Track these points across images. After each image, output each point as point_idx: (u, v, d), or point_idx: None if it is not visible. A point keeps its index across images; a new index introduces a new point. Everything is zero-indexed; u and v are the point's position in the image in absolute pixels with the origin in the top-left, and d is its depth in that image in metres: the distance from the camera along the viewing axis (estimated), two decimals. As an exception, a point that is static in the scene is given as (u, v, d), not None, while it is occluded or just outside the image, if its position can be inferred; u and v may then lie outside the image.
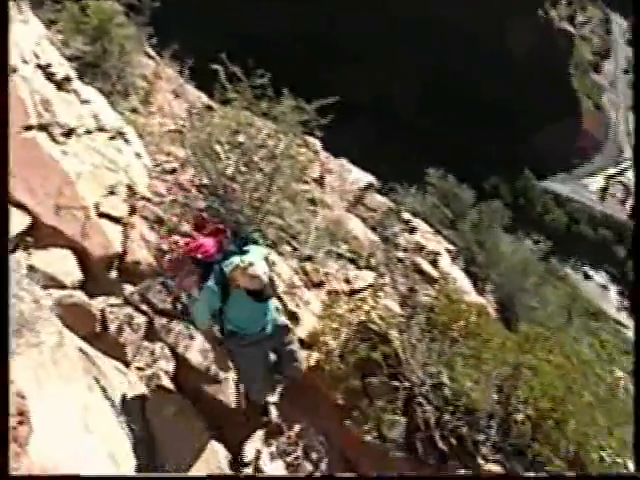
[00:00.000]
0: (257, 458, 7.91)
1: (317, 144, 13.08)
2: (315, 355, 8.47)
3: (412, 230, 12.54)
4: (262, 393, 7.75)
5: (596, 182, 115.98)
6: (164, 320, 8.34)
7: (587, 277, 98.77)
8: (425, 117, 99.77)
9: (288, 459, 8.08)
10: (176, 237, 7.58)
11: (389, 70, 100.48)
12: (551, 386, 8.64)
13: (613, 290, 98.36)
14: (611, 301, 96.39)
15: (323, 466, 8.17)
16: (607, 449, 8.66)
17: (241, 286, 6.66)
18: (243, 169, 9.48)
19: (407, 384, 8.18)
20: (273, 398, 7.94)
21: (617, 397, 10.29)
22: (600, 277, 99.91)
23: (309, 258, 9.81)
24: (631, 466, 8.76)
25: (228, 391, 8.03)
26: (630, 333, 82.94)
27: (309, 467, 8.10)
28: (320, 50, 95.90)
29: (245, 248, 7.03)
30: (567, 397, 8.69)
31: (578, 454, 8.38)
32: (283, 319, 7.52)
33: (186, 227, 8.74)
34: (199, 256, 7.15)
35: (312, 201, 11.22)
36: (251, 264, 6.58)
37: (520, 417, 8.32)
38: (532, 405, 8.40)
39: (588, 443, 8.44)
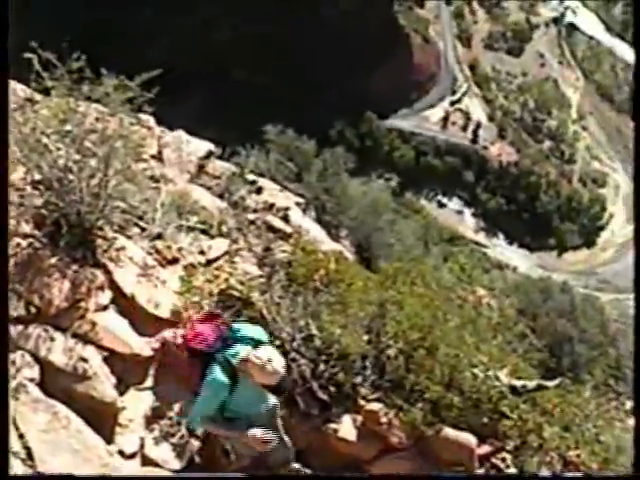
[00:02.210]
0: (142, 446, 7.76)
1: (150, 120, 12.72)
2: (181, 332, 8.32)
3: (259, 190, 12.47)
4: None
5: (436, 113, 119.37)
6: (20, 327, 7.97)
7: (441, 205, 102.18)
8: (260, 74, 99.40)
9: (173, 440, 7.96)
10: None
11: (213, 30, 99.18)
12: (417, 317, 8.87)
13: (468, 213, 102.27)
14: (467, 224, 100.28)
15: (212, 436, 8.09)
16: (478, 365, 9.02)
17: (256, 381, 6.46)
18: (76, 157, 9.10)
19: (277, 342, 8.18)
20: None
21: (481, 314, 10.72)
22: (454, 203, 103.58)
23: (159, 236, 9.58)
24: (503, 377, 9.16)
25: (100, 385, 7.79)
26: (488, 251, 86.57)
27: (196, 443, 8.01)
28: (138, 24, 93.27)
29: (238, 327, 6.86)
30: (434, 324, 8.96)
31: (452, 376, 8.68)
32: (274, 398, 7.22)
33: (26, 228, 8.35)
34: (198, 347, 6.81)
35: (153, 178, 10.94)
36: (270, 360, 6.37)
37: (392, 352, 8.52)
38: (402, 338, 8.61)
39: (460, 364, 8.75)
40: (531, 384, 9.32)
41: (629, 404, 12.48)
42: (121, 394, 7.93)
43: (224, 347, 6.77)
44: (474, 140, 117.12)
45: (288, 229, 11.00)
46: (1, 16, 5.58)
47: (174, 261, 9.31)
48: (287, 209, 12.13)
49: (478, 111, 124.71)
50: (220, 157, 13.16)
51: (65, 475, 4.97)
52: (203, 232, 10.13)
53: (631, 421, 11.62)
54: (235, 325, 7.08)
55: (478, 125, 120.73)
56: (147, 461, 7.75)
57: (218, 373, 6.58)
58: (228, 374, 6.58)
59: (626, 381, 13.79)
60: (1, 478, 4.36)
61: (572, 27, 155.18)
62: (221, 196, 11.70)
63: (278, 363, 6.45)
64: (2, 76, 5.93)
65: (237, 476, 7.55)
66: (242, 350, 6.65)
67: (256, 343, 6.81)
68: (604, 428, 10.11)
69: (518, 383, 9.18)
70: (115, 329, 8.02)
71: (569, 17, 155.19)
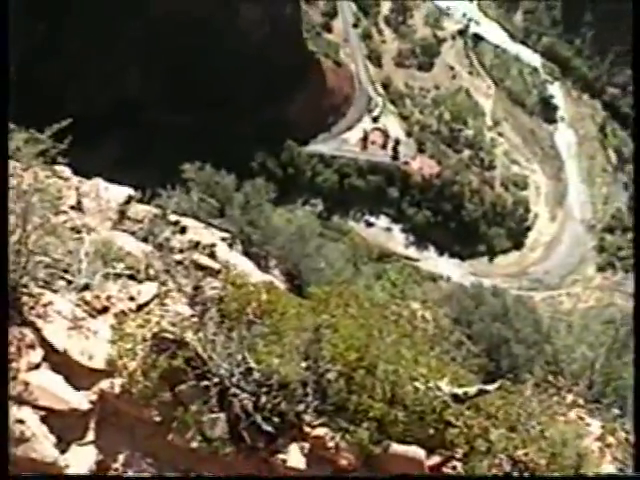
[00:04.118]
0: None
1: (66, 170, 12.60)
2: (118, 381, 8.21)
3: (183, 230, 12.41)
4: None
5: (355, 134, 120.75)
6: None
7: (369, 224, 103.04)
8: (175, 113, 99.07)
9: (120, 493, 7.83)
10: None
11: (123, 74, 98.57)
12: (353, 337, 8.90)
13: (396, 229, 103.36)
14: (397, 240, 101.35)
15: (160, 487, 7.99)
16: (419, 378, 9.10)
17: None
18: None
19: (216, 380, 8.13)
20: None
21: (417, 328, 10.83)
22: (382, 221, 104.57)
23: (86, 287, 9.45)
24: (444, 386, 9.26)
25: (39, 446, 7.61)
26: (419, 264, 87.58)
27: (144, 493, 7.90)
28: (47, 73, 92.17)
29: None
30: (370, 343, 9.01)
31: (394, 392, 8.73)
32: None
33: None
34: None
35: (75, 229, 10.81)
36: None
37: (332, 376, 8.53)
38: (340, 361, 8.62)
39: (400, 379, 8.81)
40: (472, 390, 9.44)
41: (570, 397, 12.77)
42: (62, 452, 7.78)
43: None
44: (395, 157, 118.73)
45: (216, 265, 10.96)
46: (1, 16, 5.57)
47: (104, 310, 9.19)
48: (213, 245, 12.10)
49: (396, 128, 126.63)
50: (141, 200, 13.08)
51: (65, 475, 4.90)
52: (131, 277, 10.02)
53: (573, 414, 11.90)
54: None
55: (397, 142, 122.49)
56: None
57: None
58: None
59: (564, 375, 14.12)
60: (1, 478, 4.29)
61: (477, 37, 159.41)
62: (145, 239, 11.61)
63: None
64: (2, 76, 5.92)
65: (236, 476, 7.51)
66: None
67: None
68: (548, 424, 10.29)
69: (460, 391, 9.28)
70: (50, 386, 7.87)
71: (473, 28, 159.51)
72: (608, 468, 10.86)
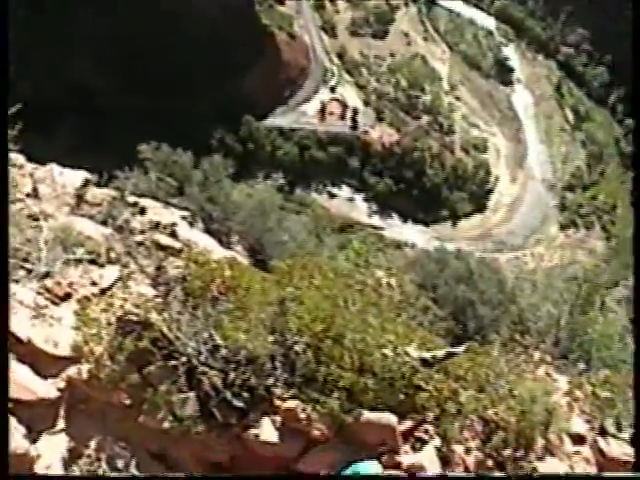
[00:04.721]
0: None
1: (20, 158, 12.40)
2: (85, 367, 8.15)
3: (142, 211, 12.29)
4: None
5: (313, 106, 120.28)
6: None
7: (332, 196, 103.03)
8: (130, 94, 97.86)
9: (95, 477, 7.80)
10: None
11: (73, 58, 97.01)
12: (318, 309, 8.91)
13: (359, 199, 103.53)
14: (360, 210, 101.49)
15: (133, 469, 7.96)
16: (387, 345, 9.14)
17: None
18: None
19: (184, 359, 8.11)
20: None
21: (383, 295, 10.86)
22: (344, 192, 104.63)
23: (47, 274, 9.36)
24: (412, 352, 9.32)
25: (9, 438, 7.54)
26: (384, 232, 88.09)
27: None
28: None
29: None
30: (336, 313, 9.02)
31: (362, 360, 8.77)
32: None
33: None
34: None
35: (32, 217, 10.67)
36: None
37: (299, 348, 8.53)
38: (306, 333, 8.63)
39: (368, 347, 8.85)
40: (441, 353, 9.51)
41: (537, 355, 12.94)
42: (33, 442, 7.72)
43: None
44: (354, 127, 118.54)
45: (177, 244, 10.88)
46: (1, 17, 5.48)
47: (66, 297, 9.11)
48: (174, 225, 12.01)
49: (353, 98, 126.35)
50: (98, 184, 12.93)
51: (65, 475, 4.88)
52: (92, 262, 9.92)
53: (540, 371, 12.06)
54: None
55: (355, 111, 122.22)
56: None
57: None
58: None
59: (531, 334, 14.29)
60: (1, 478, 4.26)
61: (431, 3, 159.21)
62: (105, 223, 11.48)
63: None
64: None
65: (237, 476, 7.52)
66: None
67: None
68: (516, 382, 10.43)
69: (428, 355, 9.35)
70: (17, 377, 7.78)
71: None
72: (577, 422, 11.05)
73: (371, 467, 7.21)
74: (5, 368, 4.25)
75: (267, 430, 8.16)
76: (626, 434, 11.04)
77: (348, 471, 7.11)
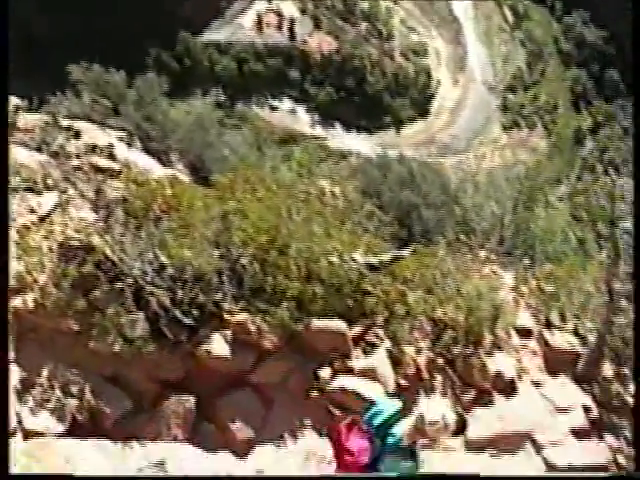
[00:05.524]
0: (19, 422, 7.55)
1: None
2: (30, 297, 8.03)
3: (77, 134, 11.99)
4: None
5: (249, 17, 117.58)
6: None
7: (273, 108, 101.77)
8: (62, 21, 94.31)
9: (50, 405, 7.77)
10: None
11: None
12: (262, 220, 8.89)
13: (301, 110, 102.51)
14: (303, 121, 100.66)
15: (88, 394, 7.95)
16: (333, 252, 9.18)
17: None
18: None
19: (130, 280, 8.04)
20: None
21: (327, 204, 10.86)
22: (285, 104, 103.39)
23: (-18, 205, 9.11)
24: (359, 257, 9.38)
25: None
26: (327, 142, 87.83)
27: (74, 402, 7.85)
28: None
29: (377, 416, 6.62)
30: (281, 224, 9.00)
31: (309, 269, 8.80)
32: None
33: None
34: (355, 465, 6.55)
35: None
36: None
37: (245, 261, 8.52)
38: (252, 245, 8.62)
39: (314, 255, 8.88)
40: (387, 257, 9.60)
41: (482, 254, 13.16)
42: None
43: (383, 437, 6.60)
44: (292, 37, 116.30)
45: (116, 166, 10.68)
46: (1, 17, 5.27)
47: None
48: (110, 146, 11.76)
49: (289, 7, 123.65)
50: (29, 109, 12.54)
51: (65, 475, 4.87)
52: (29, 190, 9.68)
53: (486, 269, 12.28)
54: (374, 421, 6.76)
55: (292, 21, 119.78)
56: (28, 434, 7.55)
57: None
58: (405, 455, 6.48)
59: (475, 233, 14.49)
60: (1, 478, 4.23)
61: None
62: (39, 149, 11.17)
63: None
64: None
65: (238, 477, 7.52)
66: (398, 428, 6.51)
67: (395, 413, 6.72)
68: (463, 281, 10.61)
69: (374, 259, 9.43)
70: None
71: None
72: (523, 316, 11.32)
73: (394, 404, 7.16)
74: (5, 366, 4.16)
75: (218, 345, 8.21)
76: (570, 325, 11.37)
77: (372, 411, 7.07)
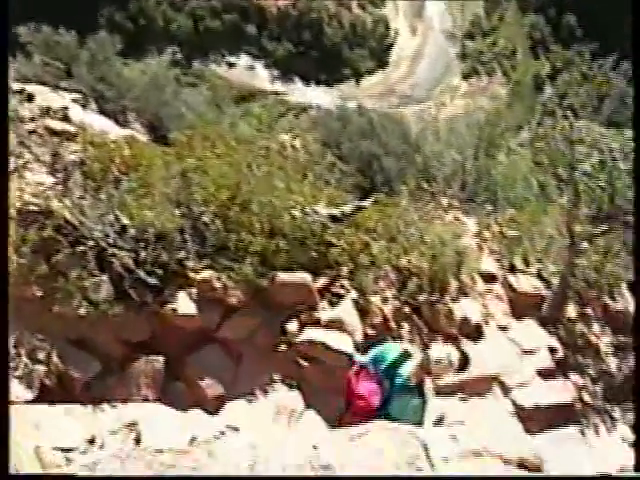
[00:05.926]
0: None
1: None
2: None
3: (30, 97, 11.76)
4: None
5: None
6: None
7: (231, 65, 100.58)
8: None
9: (17, 373, 7.73)
10: None
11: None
12: (223, 177, 8.86)
13: (259, 66, 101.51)
14: (262, 77, 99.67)
15: (55, 359, 7.92)
16: (295, 206, 9.19)
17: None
18: None
19: (92, 243, 7.97)
20: None
21: (287, 158, 10.82)
22: (243, 60, 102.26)
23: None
24: (321, 209, 9.38)
25: None
26: (287, 97, 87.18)
27: (42, 368, 7.82)
28: None
29: (382, 360, 7.02)
30: (241, 180, 8.98)
31: (272, 223, 8.81)
32: None
33: None
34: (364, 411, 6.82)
35: None
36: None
37: (207, 218, 8.51)
38: (213, 202, 8.59)
39: (276, 210, 8.87)
40: (349, 208, 9.63)
41: (445, 201, 13.25)
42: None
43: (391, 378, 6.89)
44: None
45: (71, 128, 10.48)
46: (1, 17, 5.07)
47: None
48: (65, 109, 11.54)
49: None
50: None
51: (65, 475, 4.85)
52: (-17, 156, 9.51)
53: (449, 216, 12.37)
54: (381, 366, 7.05)
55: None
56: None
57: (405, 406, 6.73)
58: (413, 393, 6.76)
59: (437, 181, 14.56)
60: (1, 478, 4.21)
61: None
62: (-10, 118, 10.93)
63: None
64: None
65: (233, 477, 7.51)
66: (405, 369, 6.82)
67: (402, 354, 7.00)
68: (426, 229, 10.69)
69: (336, 211, 9.45)
70: None
71: None
72: (487, 261, 11.45)
73: (395, 347, 7.35)
74: (5, 368, 4.10)
75: (184, 303, 8.21)
76: (533, 269, 11.53)
77: (372, 353, 7.30)
